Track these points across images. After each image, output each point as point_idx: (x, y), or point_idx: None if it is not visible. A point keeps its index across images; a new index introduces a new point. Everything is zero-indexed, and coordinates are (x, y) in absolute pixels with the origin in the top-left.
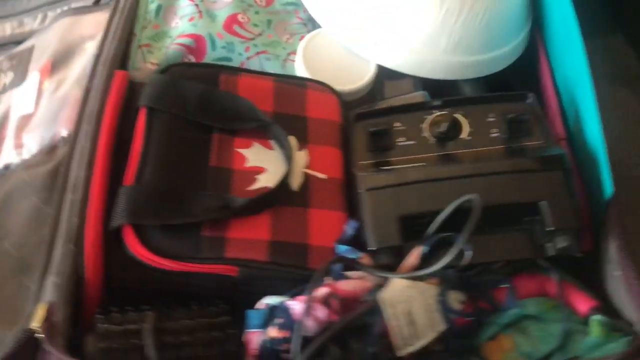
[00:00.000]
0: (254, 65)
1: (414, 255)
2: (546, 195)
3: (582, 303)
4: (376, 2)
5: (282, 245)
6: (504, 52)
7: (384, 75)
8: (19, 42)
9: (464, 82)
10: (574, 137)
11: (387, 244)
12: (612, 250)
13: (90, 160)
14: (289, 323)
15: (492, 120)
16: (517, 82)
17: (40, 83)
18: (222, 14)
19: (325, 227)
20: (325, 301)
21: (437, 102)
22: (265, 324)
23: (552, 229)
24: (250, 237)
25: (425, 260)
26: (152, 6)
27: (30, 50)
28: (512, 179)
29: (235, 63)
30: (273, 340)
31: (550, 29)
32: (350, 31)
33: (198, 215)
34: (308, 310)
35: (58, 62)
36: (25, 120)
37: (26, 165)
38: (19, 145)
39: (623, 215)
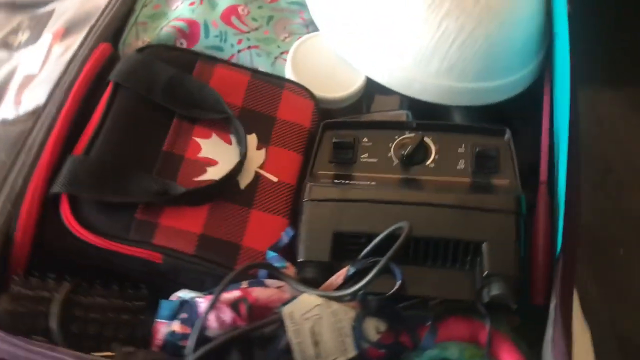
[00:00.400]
0: (244, 58)
1: (339, 275)
2: (490, 237)
3: (508, 357)
4: (373, 11)
5: (212, 241)
6: (503, 83)
7: (376, 88)
8: (45, 4)
9: (455, 108)
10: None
11: (315, 258)
12: (552, 307)
13: (50, 126)
14: (192, 320)
15: (462, 151)
16: (516, 117)
17: (50, 46)
18: (223, 3)
19: (263, 230)
20: (234, 305)
21: (410, 124)
22: (173, 317)
23: (488, 273)
24: (182, 228)
25: (353, 283)
26: None
27: (50, 13)
28: (459, 214)
29: (226, 54)
30: (174, 334)
31: (557, 67)
32: (344, 37)
33: (134, 197)
34: (210, 310)
35: (71, 29)
36: (28, 80)
37: (9, 122)
38: (17, 102)
39: (570, 272)
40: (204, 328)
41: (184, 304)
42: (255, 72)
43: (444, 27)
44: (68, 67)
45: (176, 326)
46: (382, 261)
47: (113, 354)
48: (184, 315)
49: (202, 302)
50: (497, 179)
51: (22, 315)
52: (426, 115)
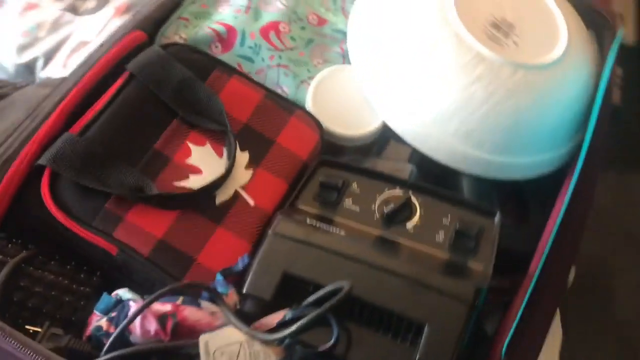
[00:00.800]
0: (272, 75)
1: (275, 317)
2: (434, 322)
3: None
4: (405, 58)
5: (169, 249)
6: (523, 162)
7: (391, 134)
8: None
9: (466, 174)
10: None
11: (257, 294)
12: None
13: (61, 99)
14: (119, 320)
15: (445, 222)
16: (535, 201)
17: (110, 19)
18: (267, 17)
19: (223, 250)
20: (161, 318)
21: (404, 181)
22: (106, 312)
23: (419, 358)
24: (145, 228)
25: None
26: None
27: None
28: (413, 289)
29: (255, 66)
30: (99, 330)
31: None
32: (371, 75)
33: (110, 187)
34: (136, 316)
35: (132, 7)
36: (80, 46)
37: (40, 83)
38: (64, 65)
39: None
40: (128, 332)
41: (118, 302)
42: (269, 92)
43: (472, 91)
44: (99, 47)
45: (103, 322)
46: (313, 314)
47: (40, 330)
48: (114, 313)
49: (133, 307)
50: (472, 262)
51: None
52: (435, 174)
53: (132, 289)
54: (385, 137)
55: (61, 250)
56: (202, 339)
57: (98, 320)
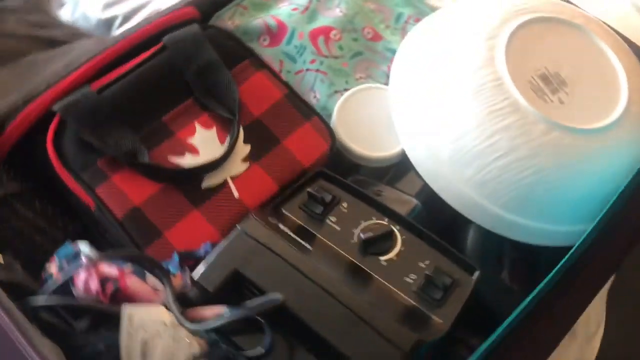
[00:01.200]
0: (309, 78)
1: (212, 310)
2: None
3: None
4: (439, 87)
5: (142, 218)
6: (534, 227)
7: (412, 166)
8: None
9: (475, 225)
10: None
11: (203, 283)
12: None
13: (95, 56)
14: (68, 272)
15: (422, 265)
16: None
17: None
18: (321, 21)
19: (192, 233)
20: (104, 280)
21: (396, 214)
22: (63, 259)
23: None
24: (126, 192)
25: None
26: None
27: None
28: (351, 321)
29: (296, 66)
30: (49, 276)
31: None
32: (402, 98)
33: (106, 147)
34: (80, 272)
35: None
36: (153, 13)
37: (97, 38)
38: None
39: None
40: (72, 284)
41: (76, 254)
42: (291, 93)
43: (495, 140)
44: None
45: (54, 269)
46: (231, 315)
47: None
48: (65, 263)
49: (83, 262)
50: (434, 313)
51: None
52: (443, 216)
53: (104, 247)
54: (404, 167)
55: (51, 194)
56: (126, 309)
57: (50, 266)
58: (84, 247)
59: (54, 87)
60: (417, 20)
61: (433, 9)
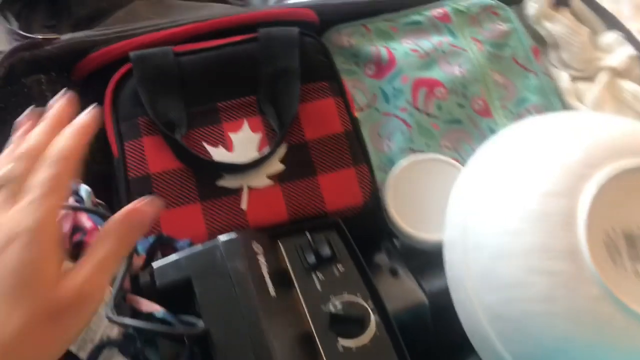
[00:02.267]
0: (392, 125)
1: (146, 305)
2: None
3: None
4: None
5: (147, 187)
6: None
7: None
8: None
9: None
10: None
11: (155, 274)
12: None
13: (196, 21)
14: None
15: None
16: None
17: None
18: (434, 73)
19: (184, 222)
20: (76, 228)
21: (382, 307)
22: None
23: None
24: (147, 156)
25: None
26: (415, 17)
27: None
28: None
29: (386, 107)
30: None
31: None
32: (459, 191)
33: (151, 108)
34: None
35: None
36: None
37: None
38: None
39: None
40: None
41: (74, 192)
42: (355, 133)
43: (533, 280)
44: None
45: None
46: (151, 325)
47: None
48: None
49: (70, 202)
50: None
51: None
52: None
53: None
54: (439, 261)
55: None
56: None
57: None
58: (83, 191)
59: (143, 37)
60: (540, 112)
61: (565, 105)
